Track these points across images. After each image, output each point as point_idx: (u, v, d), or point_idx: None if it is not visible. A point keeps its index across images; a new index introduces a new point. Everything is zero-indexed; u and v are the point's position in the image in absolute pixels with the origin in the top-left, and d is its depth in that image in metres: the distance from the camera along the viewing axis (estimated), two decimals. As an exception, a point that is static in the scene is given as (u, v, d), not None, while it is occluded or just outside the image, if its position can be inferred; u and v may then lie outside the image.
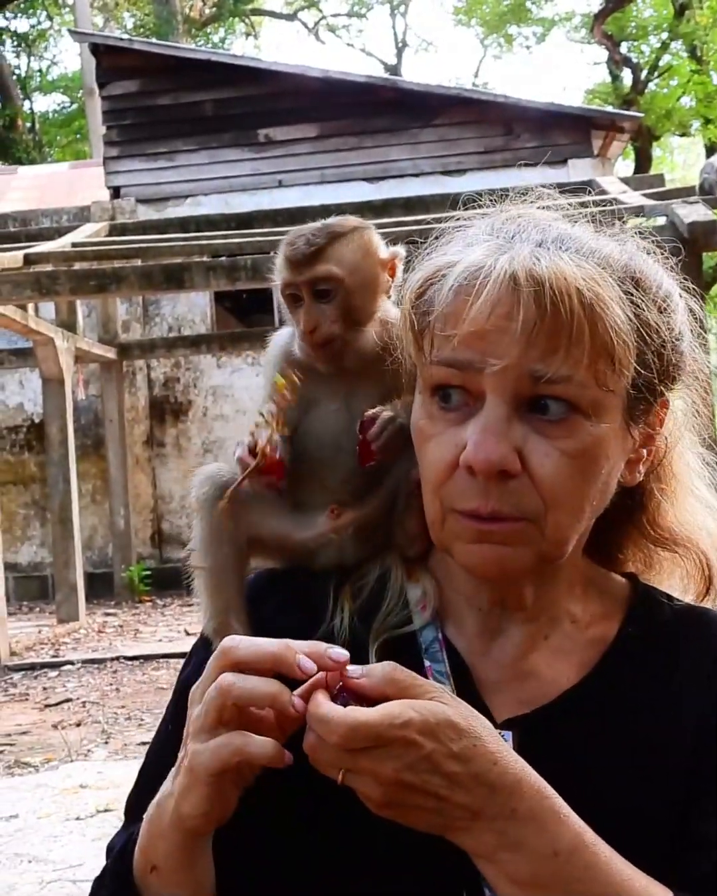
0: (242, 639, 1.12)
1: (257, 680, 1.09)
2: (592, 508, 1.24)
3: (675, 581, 1.46)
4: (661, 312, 1.23)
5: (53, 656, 11.47)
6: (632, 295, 1.20)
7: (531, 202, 1.37)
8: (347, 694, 1.09)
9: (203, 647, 1.44)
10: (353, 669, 1.09)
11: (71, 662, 11.06)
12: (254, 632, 1.38)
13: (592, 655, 1.34)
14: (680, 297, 1.28)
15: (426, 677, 1.25)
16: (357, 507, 1.45)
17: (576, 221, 1.30)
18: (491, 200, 1.40)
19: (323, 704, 1.07)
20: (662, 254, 1.32)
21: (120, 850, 1.30)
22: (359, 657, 1.25)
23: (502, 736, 1.20)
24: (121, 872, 1.27)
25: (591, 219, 1.33)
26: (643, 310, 1.20)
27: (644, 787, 1.25)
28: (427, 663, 1.31)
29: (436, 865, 1.22)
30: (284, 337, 1.52)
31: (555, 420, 1.18)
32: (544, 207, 1.35)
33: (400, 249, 1.52)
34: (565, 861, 1.11)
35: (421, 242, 1.35)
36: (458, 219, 1.35)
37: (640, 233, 1.33)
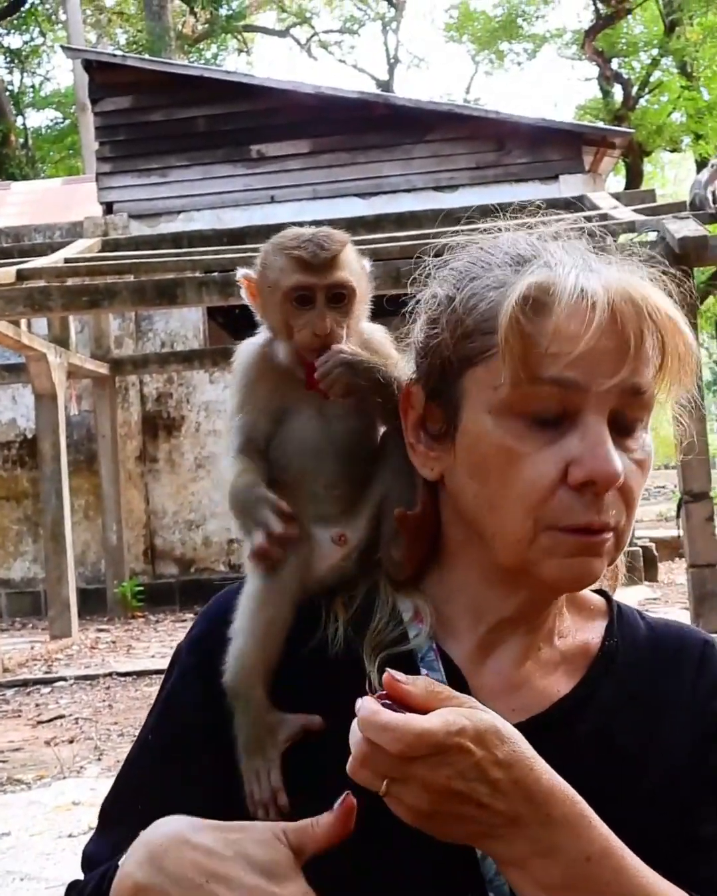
0: None
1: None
2: None
3: None
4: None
5: (46, 672, 11.45)
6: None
7: (538, 222, 1.40)
8: (391, 702, 1.07)
9: (187, 654, 1.43)
10: (397, 675, 1.08)
11: (64, 679, 11.04)
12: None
13: (579, 666, 1.38)
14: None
15: None
16: (348, 521, 1.44)
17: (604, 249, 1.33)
18: (498, 215, 1.41)
19: (383, 712, 1.05)
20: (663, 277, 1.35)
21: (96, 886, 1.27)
22: (355, 666, 1.30)
23: None
24: None
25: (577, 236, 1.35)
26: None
27: (635, 793, 1.28)
28: (424, 671, 1.32)
29: (441, 868, 1.23)
30: (255, 345, 1.50)
31: (631, 433, 1.24)
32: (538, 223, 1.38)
33: (367, 262, 1.53)
34: (596, 866, 1.12)
35: (422, 259, 1.37)
36: (483, 230, 1.37)
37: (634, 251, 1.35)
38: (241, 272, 1.54)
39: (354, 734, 1.05)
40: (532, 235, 1.31)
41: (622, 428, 1.23)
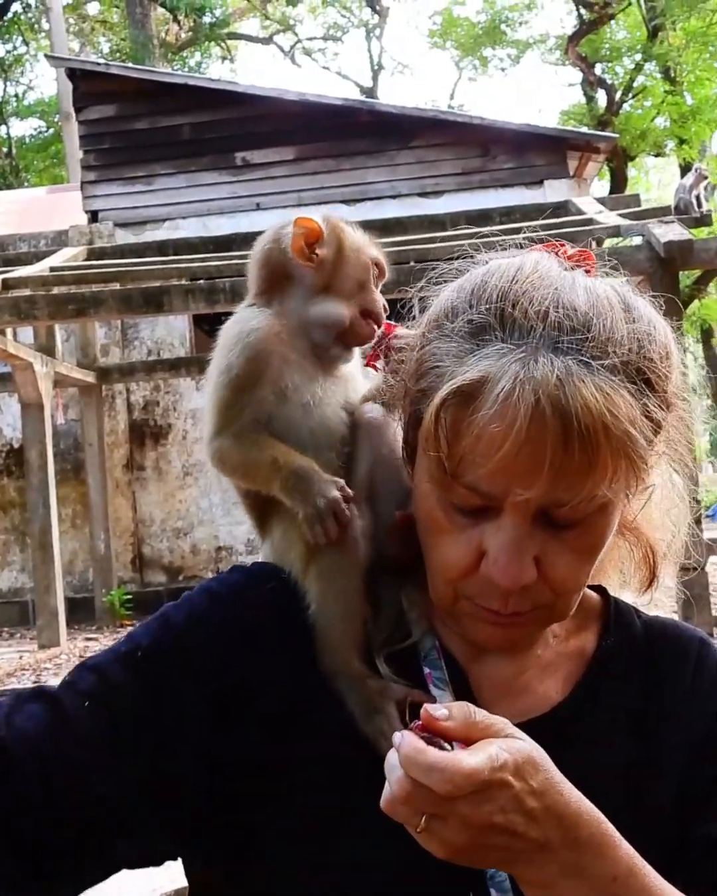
0: None
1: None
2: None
3: (613, 574, 1.50)
4: (664, 379, 1.22)
5: (35, 682, 11.40)
6: (644, 397, 1.18)
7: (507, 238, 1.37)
8: (430, 736, 1.04)
9: (204, 602, 1.38)
10: (435, 710, 1.05)
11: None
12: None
13: (574, 669, 1.39)
14: (674, 343, 1.26)
15: (426, 683, 1.31)
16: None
17: (575, 278, 1.24)
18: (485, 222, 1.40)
19: (430, 752, 1.02)
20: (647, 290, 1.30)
21: None
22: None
23: None
24: None
25: (587, 261, 1.30)
26: (652, 410, 1.19)
27: (637, 794, 1.29)
28: (427, 670, 1.33)
29: (442, 864, 1.24)
30: (267, 316, 1.47)
31: (571, 525, 1.20)
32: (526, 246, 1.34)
33: None
34: (622, 885, 1.12)
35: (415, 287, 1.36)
36: (453, 268, 1.33)
37: (616, 258, 1.33)
38: (309, 213, 1.55)
39: (394, 770, 1.02)
40: (527, 277, 1.21)
41: (557, 523, 1.19)
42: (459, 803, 1.01)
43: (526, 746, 1.06)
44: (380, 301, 1.47)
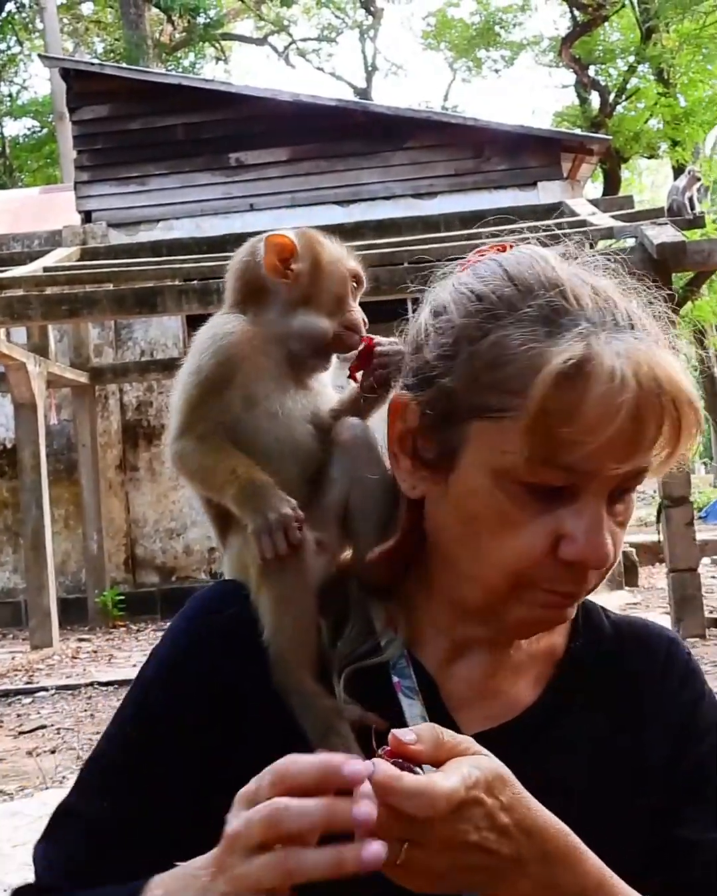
0: (295, 763, 0.98)
1: (309, 806, 0.94)
2: None
3: None
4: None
5: (27, 683, 11.40)
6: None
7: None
8: (399, 761, 1.01)
9: (169, 647, 1.40)
10: (404, 735, 1.02)
11: (45, 689, 10.99)
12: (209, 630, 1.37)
13: (545, 670, 1.38)
14: None
15: (395, 692, 1.29)
16: (316, 523, 1.41)
17: (592, 268, 1.28)
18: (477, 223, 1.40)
19: (407, 777, 0.98)
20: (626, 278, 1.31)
21: None
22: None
23: None
24: None
25: (556, 242, 1.32)
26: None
27: (610, 796, 1.28)
28: (396, 679, 1.31)
29: None
30: (242, 322, 1.47)
31: (620, 499, 1.23)
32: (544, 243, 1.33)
33: None
34: None
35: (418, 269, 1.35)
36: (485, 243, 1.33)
37: (613, 257, 1.33)
38: (281, 231, 1.50)
39: (363, 806, 0.94)
40: (555, 265, 1.23)
41: (616, 497, 1.22)
42: (437, 825, 0.99)
43: (494, 763, 1.05)
44: (359, 313, 1.48)
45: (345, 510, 1.41)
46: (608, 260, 1.31)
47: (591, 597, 1.46)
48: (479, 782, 1.02)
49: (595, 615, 1.44)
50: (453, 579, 1.29)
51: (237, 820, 0.98)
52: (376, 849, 0.92)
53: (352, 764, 0.95)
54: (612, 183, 26.96)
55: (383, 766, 0.98)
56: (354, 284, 1.49)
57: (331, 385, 1.53)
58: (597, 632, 1.42)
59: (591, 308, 1.19)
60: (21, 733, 9.17)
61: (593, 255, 1.31)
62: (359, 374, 1.44)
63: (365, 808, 0.92)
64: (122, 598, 15.75)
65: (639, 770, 1.32)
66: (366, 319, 1.48)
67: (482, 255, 1.31)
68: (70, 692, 10.82)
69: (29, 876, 1.33)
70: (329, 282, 1.46)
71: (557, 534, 1.18)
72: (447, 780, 0.99)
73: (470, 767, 1.02)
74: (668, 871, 1.27)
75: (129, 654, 13.07)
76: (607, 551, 1.18)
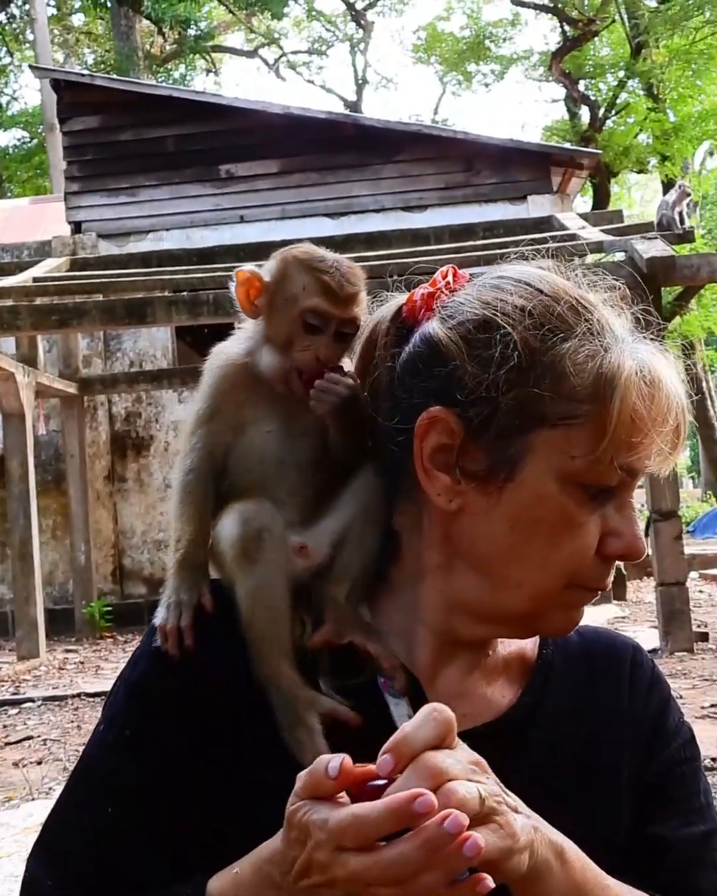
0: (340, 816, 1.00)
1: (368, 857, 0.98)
2: None
3: None
4: None
5: (14, 694, 11.36)
6: None
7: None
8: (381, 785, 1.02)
9: (148, 646, 1.41)
10: (385, 765, 1.02)
11: (31, 700, 10.95)
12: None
13: (518, 675, 1.42)
14: None
15: (382, 693, 1.32)
16: (310, 531, 1.43)
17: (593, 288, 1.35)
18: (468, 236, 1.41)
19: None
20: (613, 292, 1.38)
21: None
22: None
23: None
24: None
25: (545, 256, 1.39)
26: None
27: (584, 799, 1.34)
28: (381, 679, 1.33)
29: None
30: (236, 355, 1.49)
31: None
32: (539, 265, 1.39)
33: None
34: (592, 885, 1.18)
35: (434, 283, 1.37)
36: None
37: (602, 271, 1.36)
38: (247, 267, 1.52)
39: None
40: (568, 279, 1.33)
41: None
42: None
43: (471, 754, 1.07)
44: (311, 355, 1.43)
45: (342, 537, 1.42)
46: (594, 273, 1.35)
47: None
48: (480, 765, 1.06)
49: None
50: (488, 590, 1.31)
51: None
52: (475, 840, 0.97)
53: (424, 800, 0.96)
54: (601, 197, 27.04)
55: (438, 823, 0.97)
56: (313, 321, 1.43)
57: None
58: (564, 640, 1.47)
59: (614, 322, 1.29)
60: (7, 744, 9.14)
61: (576, 269, 1.37)
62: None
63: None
64: (109, 608, 15.71)
65: (612, 770, 1.38)
66: (333, 357, 1.45)
67: (466, 272, 1.38)
68: (57, 703, 10.79)
69: (15, 887, 1.33)
70: (281, 322, 1.45)
71: (603, 531, 1.26)
72: (470, 787, 1.01)
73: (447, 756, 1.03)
74: (643, 868, 1.32)
75: (116, 665, 13.03)
76: (643, 546, 1.28)
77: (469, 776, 1.01)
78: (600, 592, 1.32)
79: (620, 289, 1.36)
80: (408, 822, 0.96)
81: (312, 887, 1.03)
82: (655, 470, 1.29)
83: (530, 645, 1.44)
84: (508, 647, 1.43)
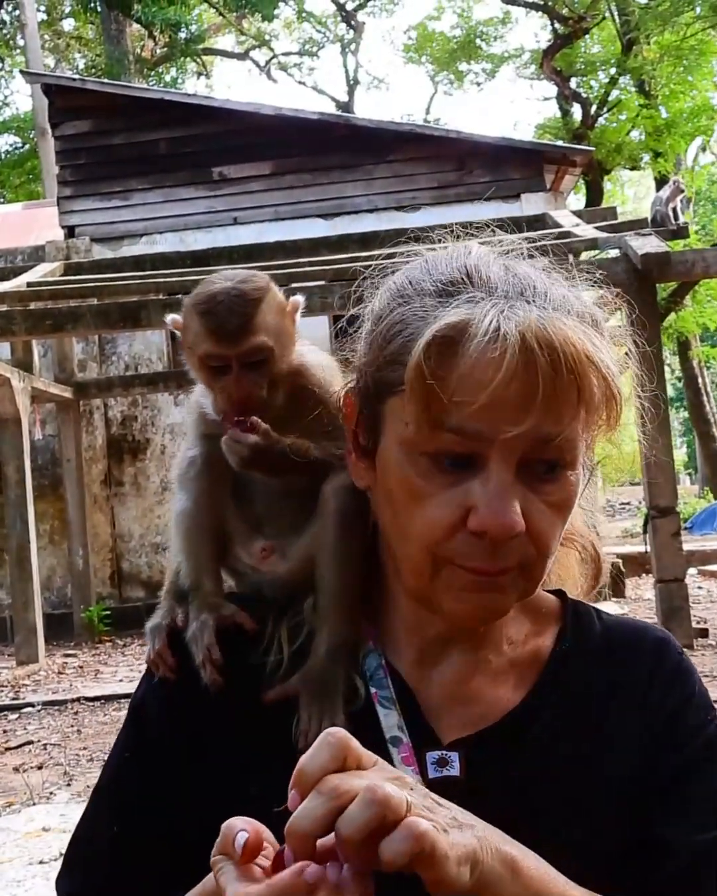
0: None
1: None
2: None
3: (566, 576, 1.50)
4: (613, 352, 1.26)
5: (13, 699, 11.36)
6: (605, 343, 1.23)
7: (485, 239, 1.38)
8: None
9: (144, 677, 1.44)
10: (293, 801, 1.00)
11: (31, 705, 10.96)
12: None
13: (529, 673, 1.37)
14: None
15: (372, 703, 1.31)
16: (280, 538, 1.46)
17: (535, 263, 1.30)
18: (441, 236, 1.40)
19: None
20: (604, 290, 1.34)
21: None
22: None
23: (448, 757, 1.27)
24: None
25: (540, 254, 1.34)
26: (612, 356, 1.24)
27: (593, 800, 1.27)
28: (373, 690, 1.32)
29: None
30: (198, 400, 1.52)
31: (547, 477, 1.21)
32: (494, 241, 1.36)
33: (299, 298, 1.51)
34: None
35: (376, 278, 1.34)
36: (411, 253, 1.35)
37: (587, 268, 1.35)
38: (170, 318, 1.51)
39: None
40: (476, 254, 1.27)
41: (536, 472, 1.20)
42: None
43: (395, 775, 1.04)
44: (224, 398, 1.42)
45: (312, 549, 1.43)
46: (559, 262, 1.33)
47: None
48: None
49: (586, 617, 1.44)
50: (395, 567, 1.31)
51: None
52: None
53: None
54: (594, 194, 27.05)
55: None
56: (214, 364, 1.42)
57: None
58: (586, 633, 1.41)
59: (494, 281, 1.21)
60: (7, 749, 9.14)
61: (519, 244, 1.34)
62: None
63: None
64: (107, 613, 15.71)
65: (621, 768, 1.32)
66: (252, 390, 1.43)
67: None
68: (56, 708, 10.79)
69: (17, 892, 1.35)
70: (194, 367, 1.46)
71: (465, 506, 1.18)
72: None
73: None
74: (643, 872, 1.26)
75: (115, 669, 13.04)
76: (509, 518, 1.16)
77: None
78: (488, 575, 1.21)
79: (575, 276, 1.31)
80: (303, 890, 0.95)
81: None
82: (556, 434, 1.17)
83: (547, 641, 1.40)
84: (520, 646, 1.39)
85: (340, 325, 1.46)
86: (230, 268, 12.28)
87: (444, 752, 1.29)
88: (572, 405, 1.17)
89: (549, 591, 1.46)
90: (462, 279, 1.21)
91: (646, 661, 1.39)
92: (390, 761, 1.24)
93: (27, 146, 36.33)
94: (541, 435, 1.17)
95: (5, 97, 45.46)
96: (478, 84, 37.04)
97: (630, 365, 1.30)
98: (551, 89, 31.45)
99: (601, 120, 28.36)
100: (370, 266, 1.36)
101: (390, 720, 1.29)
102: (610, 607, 13.92)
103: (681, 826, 1.29)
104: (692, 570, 16.40)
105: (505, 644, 1.38)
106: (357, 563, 1.39)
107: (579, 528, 1.46)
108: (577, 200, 29.07)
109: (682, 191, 12.10)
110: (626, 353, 1.29)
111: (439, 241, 1.37)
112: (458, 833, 1.01)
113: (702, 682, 1.42)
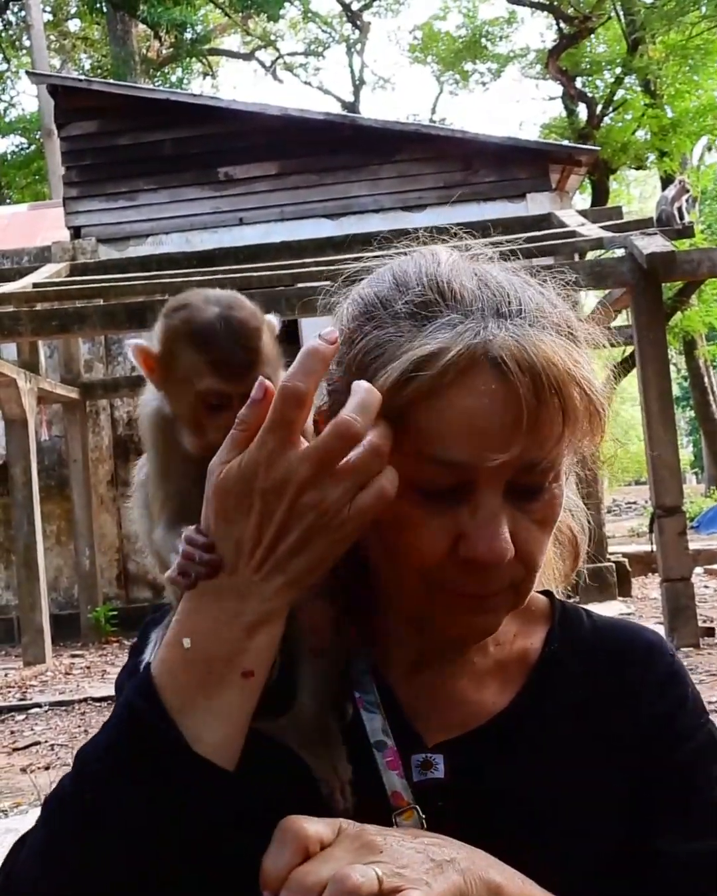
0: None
1: None
2: None
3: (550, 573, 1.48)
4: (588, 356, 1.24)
5: (20, 699, 11.38)
6: (582, 352, 1.20)
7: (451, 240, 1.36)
8: None
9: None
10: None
11: (38, 705, 10.97)
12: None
13: (517, 675, 1.36)
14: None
15: (357, 707, 1.29)
16: None
17: (505, 266, 1.27)
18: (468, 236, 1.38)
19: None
20: (571, 293, 1.29)
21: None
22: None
23: (432, 759, 1.26)
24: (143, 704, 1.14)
25: (508, 256, 1.32)
26: (590, 364, 1.21)
27: (580, 804, 1.25)
28: (357, 694, 1.30)
29: None
30: (158, 412, 1.33)
31: (534, 496, 1.19)
32: (462, 245, 1.33)
33: (274, 317, 1.36)
34: None
35: (341, 287, 1.31)
36: (377, 258, 1.32)
37: (565, 270, 1.33)
38: (131, 342, 1.32)
39: None
40: (446, 263, 1.23)
41: (523, 493, 1.18)
42: None
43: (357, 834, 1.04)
44: (217, 438, 1.18)
45: None
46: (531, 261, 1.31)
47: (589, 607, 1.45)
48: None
49: (574, 617, 1.42)
50: (387, 592, 1.30)
51: None
52: None
53: None
54: (600, 194, 27.02)
55: None
56: (215, 401, 1.24)
57: None
58: (575, 634, 1.39)
59: (469, 298, 1.17)
60: (15, 750, 9.15)
61: (483, 248, 1.31)
62: None
63: None
64: (114, 613, 15.72)
65: (613, 771, 1.29)
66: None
67: None
68: (64, 708, 10.80)
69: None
70: (181, 401, 1.27)
71: (454, 534, 1.17)
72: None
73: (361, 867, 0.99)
74: (637, 883, 1.23)
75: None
76: (500, 545, 1.15)
77: (360, 862, 0.98)
78: (482, 600, 1.20)
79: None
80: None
81: (274, 547, 1.09)
82: (544, 458, 1.16)
83: (535, 642, 1.38)
84: (507, 647, 1.37)
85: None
86: (237, 266, 12.28)
87: (428, 755, 1.28)
88: (556, 425, 1.15)
89: (537, 592, 1.44)
90: (435, 299, 1.18)
91: (637, 665, 1.36)
92: (376, 765, 1.24)
93: (33, 147, 36.38)
94: (527, 460, 1.15)
95: (11, 98, 45.48)
96: (483, 84, 37.14)
97: (607, 365, 1.28)
98: (557, 89, 31.46)
99: (606, 119, 28.31)
100: (334, 273, 1.33)
101: (375, 724, 1.27)
102: (617, 606, 13.92)
103: (674, 834, 1.26)
104: (698, 569, 16.38)
105: (492, 645, 1.37)
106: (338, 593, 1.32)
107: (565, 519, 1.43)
108: (582, 200, 29.06)
109: (687, 190, 12.09)
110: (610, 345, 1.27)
111: (445, 241, 1.35)
112: (440, 878, 1.00)
113: (695, 685, 1.39)
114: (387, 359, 1.16)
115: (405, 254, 1.31)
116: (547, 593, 1.45)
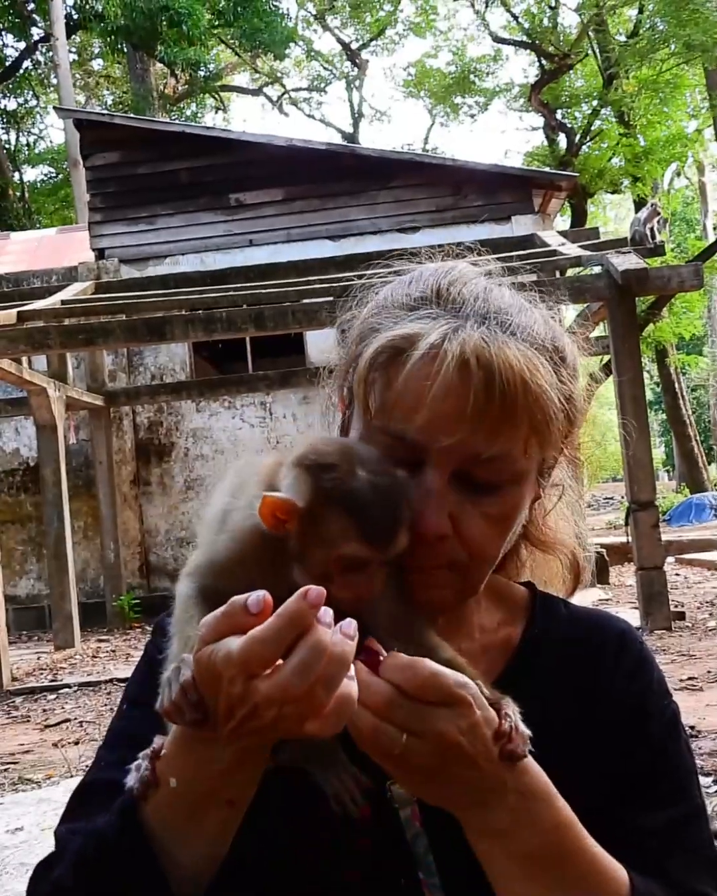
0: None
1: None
2: (503, 550, 1.27)
3: (552, 579, 1.49)
4: (572, 380, 1.25)
5: (52, 681, 11.35)
6: (558, 370, 1.21)
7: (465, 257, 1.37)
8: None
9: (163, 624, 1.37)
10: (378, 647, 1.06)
11: (68, 686, 10.95)
12: None
13: (498, 660, 1.36)
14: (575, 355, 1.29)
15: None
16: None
17: (501, 282, 1.28)
18: (429, 255, 1.39)
19: (401, 655, 1.03)
20: (557, 310, 1.32)
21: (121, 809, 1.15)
22: None
23: None
24: (128, 828, 1.13)
25: (508, 272, 1.33)
26: (565, 383, 1.22)
27: (559, 780, 1.22)
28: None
29: (373, 850, 1.22)
30: (255, 521, 1.13)
31: (484, 491, 1.19)
32: (472, 262, 1.34)
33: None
34: (564, 834, 1.12)
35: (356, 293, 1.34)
36: (391, 271, 1.34)
37: (546, 285, 1.33)
38: (275, 495, 1.10)
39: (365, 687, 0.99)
40: (457, 272, 1.26)
41: (475, 486, 1.18)
42: (432, 717, 1.01)
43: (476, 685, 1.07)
44: (352, 595, 1.11)
45: None
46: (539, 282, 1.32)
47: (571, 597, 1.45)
48: (468, 686, 1.04)
49: (553, 606, 1.42)
50: None
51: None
52: (385, 695, 0.99)
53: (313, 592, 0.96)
54: (579, 216, 27.03)
55: (394, 659, 1.03)
56: (353, 565, 1.12)
57: None
58: (553, 621, 1.40)
59: (460, 302, 1.20)
60: (47, 727, 9.13)
61: (496, 268, 1.32)
62: None
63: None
64: (137, 601, 15.71)
65: (591, 758, 1.29)
66: (378, 588, 1.14)
67: None
68: (91, 688, 10.78)
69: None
70: (314, 553, 1.11)
71: None
72: (435, 665, 1.03)
73: (457, 675, 1.04)
74: (631, 856, 1.21)
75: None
76: (430, 521, 1.15)
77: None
78: (422, 572, 1.18)
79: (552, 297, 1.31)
80: (302, 622, 0.94)
81: (239, 728, 0.98)
82: (486, 451, 1.14)
83: (516, 629, 1.38)
84: (492, 634, 1.37)
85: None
86: (248, 284, 12.27)
87: None
88: (509, 426, 1.15)
89: (520, 583, 1.45)
90: (431, 297, 1.21)
91: (610, 650, 1.37)
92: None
93: (60, 176, 36.35)
94: (473, 450, 1.15)
95: (41, 131, 45.44)
96: (472, 116, 36.95)
97: (596, 389, 1.30)
98: (539, 120, 31.44)
99: (584, 148, 28.33)
100: (336, 289, 1.34)
101: None
102: (596, 593, 13.92)
103: (646, 802, 1.27)
104: (670, 559, 16.36)
105: (477, 632, 1.37)
106: None
107: (563, 539, 1.44)
108: (563, 222, 29.03)
109: (659, 212, 12.06)
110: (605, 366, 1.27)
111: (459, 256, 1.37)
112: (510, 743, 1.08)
113: (660, 667, 1.40)
114: (373, 338, 1.20)
115: (398, 274, 1.33)
116: (529, 585, 1.45)
